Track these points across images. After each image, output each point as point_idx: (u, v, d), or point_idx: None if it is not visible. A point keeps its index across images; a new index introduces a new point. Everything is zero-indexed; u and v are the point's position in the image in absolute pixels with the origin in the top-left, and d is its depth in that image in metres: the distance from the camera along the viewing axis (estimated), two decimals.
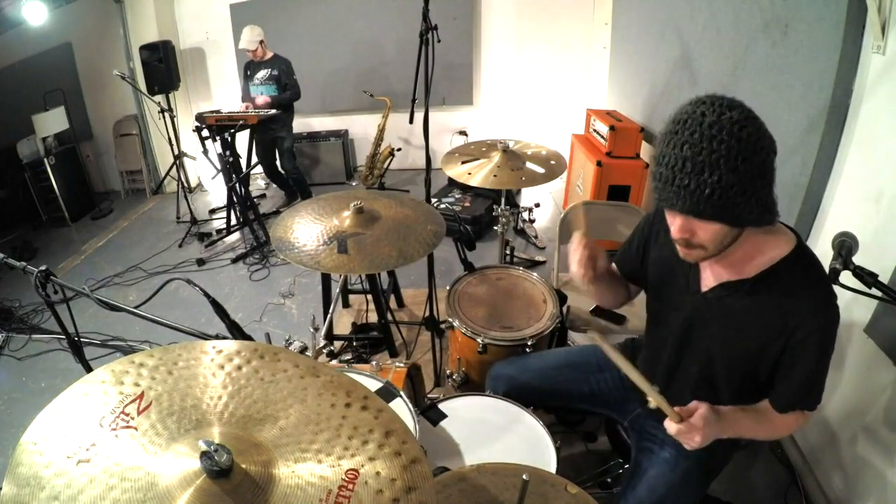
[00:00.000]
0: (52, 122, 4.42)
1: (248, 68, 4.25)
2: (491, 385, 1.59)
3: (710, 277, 1.12)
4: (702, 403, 1.04)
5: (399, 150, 4.97)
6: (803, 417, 1.13)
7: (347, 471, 0.70)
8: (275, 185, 5.08)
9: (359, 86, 4.89)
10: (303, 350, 1.42)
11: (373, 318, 2.82)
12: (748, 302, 1.06)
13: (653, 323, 1.33)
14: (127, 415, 0.73)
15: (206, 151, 4.00)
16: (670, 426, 1.04)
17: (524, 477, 0.96)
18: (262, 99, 4.09)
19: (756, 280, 1.04)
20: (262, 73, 4.17)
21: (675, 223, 1.00)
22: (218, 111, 3.90)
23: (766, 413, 1.15)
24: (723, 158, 0.87)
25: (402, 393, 1.41)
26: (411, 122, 2.29)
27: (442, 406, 1.46)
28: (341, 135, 5.25)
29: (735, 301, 1.08)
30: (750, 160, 0.87)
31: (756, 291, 1.05)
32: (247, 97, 4.29)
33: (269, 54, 4.18)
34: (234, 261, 3.83)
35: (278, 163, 4.55)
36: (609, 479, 1.61)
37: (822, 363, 1.05)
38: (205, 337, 1.12)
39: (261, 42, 4.10)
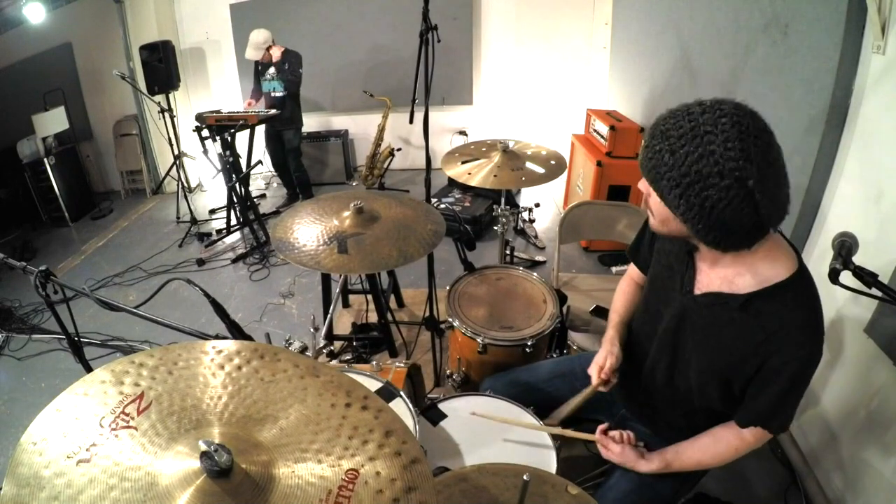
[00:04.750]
0: (52, 122, 4.41)
1: (260, 63, 4.26)
2: None
3: (703, 282, 1.11)
4: (627, 447, 1.23)
5: (399, 150, 4.98)
6: (764, 436, 1.11)
7: (347, 471, 0.70)
8: (275, 185, 5.07)
9: (359, 85, 4.89)
10: (303, 350, 1.41)
11: (373, 318, 2.82)
12: (735, 317, 1.05)
13: (643, 320, 1.32)
14: (127, 415, 0.73)
15: (206, 151, 4.01)
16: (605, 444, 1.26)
17: (525, 477, 0.96)
18: (270, 109, 4.10)
19: (747, 299, 1.02)
20: (273, 70, 4.20)
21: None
22: (218, 111, 3.90)
23: (714, 437, 1.17)
24: (685, 148, 0.90)
25: (402, 393, 1.40)
26: (411, 121, 2.29)
27: (442, 406, 1.46)
28: (341, 135, 5.25)
29: (723, 313, 1.06)
30: (697, 164, 0.88)
31: (745, 310, 1.03)
32: (257, 92, 4.30)
33: (278, 54, 4.17)
34: (234, 261, 3.83)
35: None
36: None
37: (793, 393, 1.03)
38: (205, 337, 1.12)
39: (268, 48, 4.10)
